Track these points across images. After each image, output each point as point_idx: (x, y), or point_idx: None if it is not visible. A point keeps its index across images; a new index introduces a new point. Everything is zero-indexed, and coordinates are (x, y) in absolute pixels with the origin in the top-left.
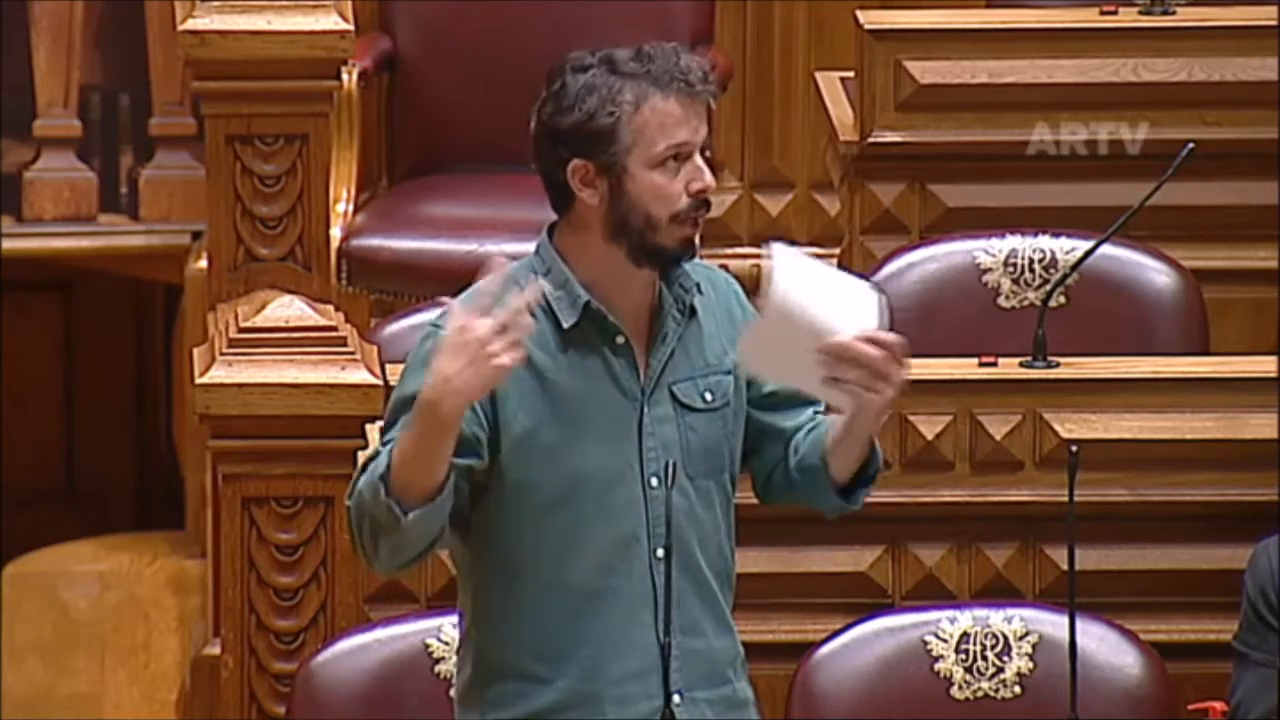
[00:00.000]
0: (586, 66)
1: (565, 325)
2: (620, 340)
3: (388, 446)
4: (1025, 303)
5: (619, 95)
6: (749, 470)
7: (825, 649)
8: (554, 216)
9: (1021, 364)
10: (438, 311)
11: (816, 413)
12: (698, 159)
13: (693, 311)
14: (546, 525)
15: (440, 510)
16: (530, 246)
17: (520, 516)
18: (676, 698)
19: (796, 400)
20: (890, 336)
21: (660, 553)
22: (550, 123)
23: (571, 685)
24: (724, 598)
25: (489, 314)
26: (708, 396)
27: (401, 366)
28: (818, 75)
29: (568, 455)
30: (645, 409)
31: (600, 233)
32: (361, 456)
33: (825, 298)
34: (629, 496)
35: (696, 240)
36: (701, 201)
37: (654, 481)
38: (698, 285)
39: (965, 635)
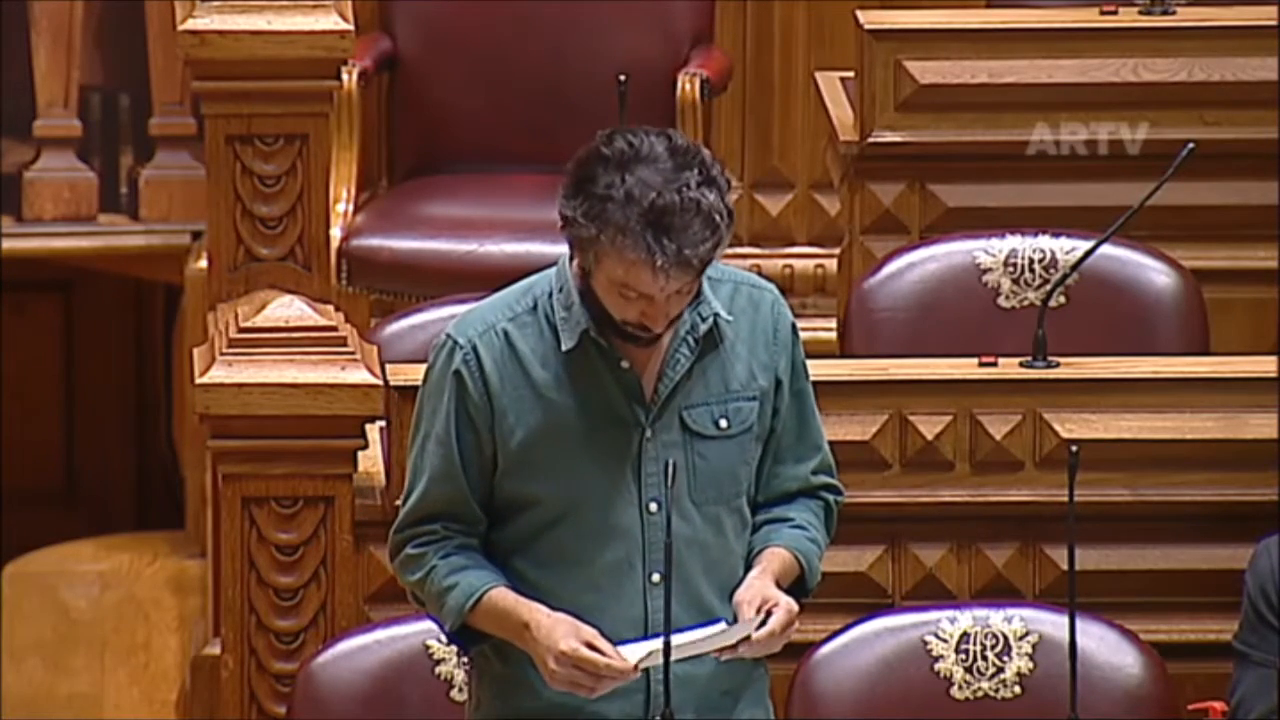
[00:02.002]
0: (620, 163)
1: (564, 348)
2: (625, 365)
3: (475, 592)
4: (1025, 303)
5: (608, 219)
6: None
7: (825, 649)
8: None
9: (1021, 364)
10: (451, 311)
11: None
12: (658, 301)
13: (719, 338)
14: (544, 540)
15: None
16: (529, 247)
17: (520, 528)
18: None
19: (797, 446)
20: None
21: (655, 578)
22: (564, 185)
23: (553, 695)
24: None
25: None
26: (723, 423)
27: (403, 365)
28: (818, 75)
29: (563, 474)
30: (647, 434)
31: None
32: (359, 462)
33: None
34: (626, 521)
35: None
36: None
37: (653, 507)
38: (716, 315)
39: (965, 635)
